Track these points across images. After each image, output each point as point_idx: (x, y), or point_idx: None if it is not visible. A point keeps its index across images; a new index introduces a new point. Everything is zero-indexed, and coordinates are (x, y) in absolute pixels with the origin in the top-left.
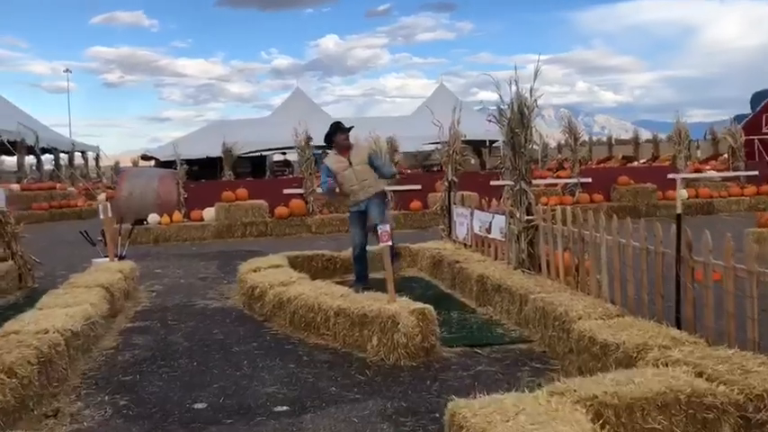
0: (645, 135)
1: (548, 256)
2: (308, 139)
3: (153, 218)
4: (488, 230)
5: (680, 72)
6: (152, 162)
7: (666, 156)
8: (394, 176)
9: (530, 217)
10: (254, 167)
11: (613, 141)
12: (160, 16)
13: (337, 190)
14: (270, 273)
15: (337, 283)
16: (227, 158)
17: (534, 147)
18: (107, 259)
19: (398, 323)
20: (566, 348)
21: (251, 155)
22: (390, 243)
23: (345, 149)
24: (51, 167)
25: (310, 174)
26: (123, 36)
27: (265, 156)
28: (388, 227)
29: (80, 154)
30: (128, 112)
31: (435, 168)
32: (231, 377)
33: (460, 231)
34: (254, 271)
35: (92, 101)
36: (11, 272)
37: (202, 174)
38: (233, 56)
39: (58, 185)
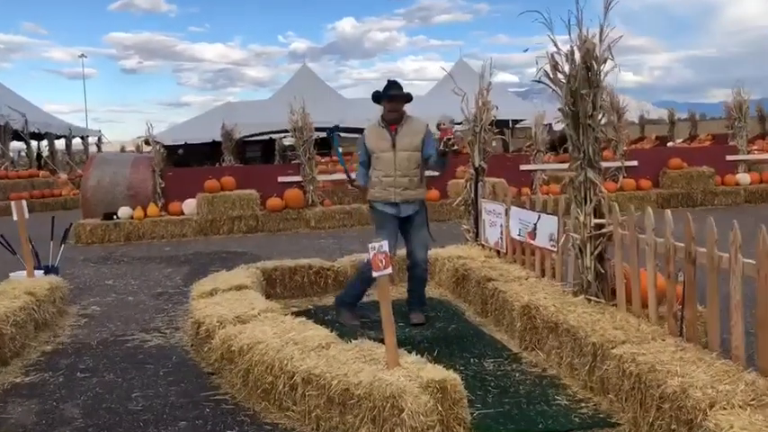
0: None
1: (627, 278)
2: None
3: (124, 211)
4: (532, 235)
5: (700, 52)
6: (158, 147)
7: (706, 135)
8: (443, 170)
9: (600, 221)
10: (264, 152)
11: (645, 120)
12: (178, 1)
13: (364, 183)
14: (228, 298)
15: (320, 314)
16: (227, 142)
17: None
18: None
19: (402, 408)
20: None
21: (260, 138)
22: (387, 270)
23: (393, 122)
24: (46, 153)
25: (309, 158)
26: (141, 21)
27: (275, 139)
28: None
29: (80, 139)
30: (146, 97)
31: (455, 148)
32: None
33: (491, 234)
34: (209, 294)
35: (110, 87)
36: None
37: (196, 159)
38: (250, 40)
39: (41, 173)
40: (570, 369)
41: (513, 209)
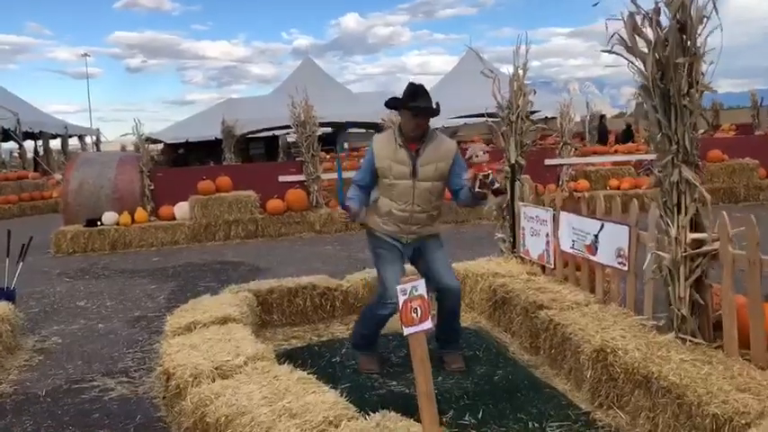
0: None
1: (740, 315)
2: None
3: (109, 217)
4: (593, 249)
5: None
6: (159, 145)
7: (729, 125)
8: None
9: (699, 235)
10: (267, 149)
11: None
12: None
13: (364, 213)
14: (207, 338)
15: (325, 353)
16: (228, 139)
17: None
18: None
19: None
20: None
21: (263, 135)
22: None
23: (414, 140)
24: (41, 153)
25: (312, 156)
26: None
27: (278, 136)
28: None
29: (77, 139)
30: (151, 95)
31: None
32: None
33: (533, 245)
34: (186, 330)
35: (115, 86)
36: None
37: (197, 157)
38: (254, 37)
39: (31, 175)
40: None
41: (565, 215)
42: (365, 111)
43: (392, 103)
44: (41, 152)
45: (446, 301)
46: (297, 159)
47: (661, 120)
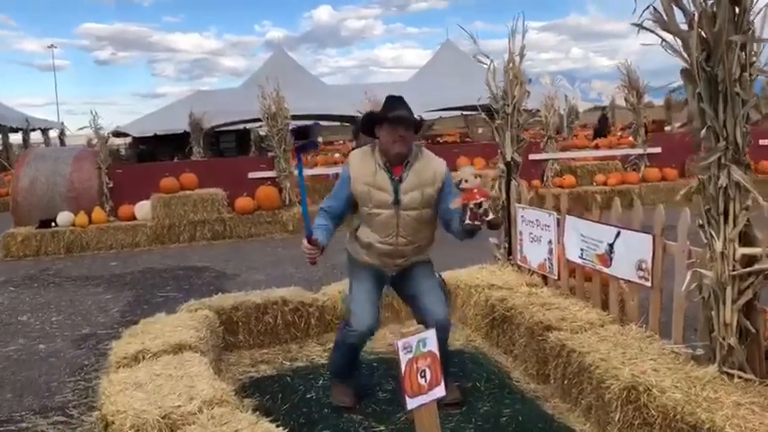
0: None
1: None
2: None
3: (64, 217)
4: (606, 260)
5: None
6: (128, 139)
7: None
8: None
9: (750, 250)
10: (239, 142)
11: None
12: None
13: (324, 244)
14: (157, 373)
15: (298, 384)
16: (196, 133)
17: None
18: None
19: None
20: None
21: (234, 128)
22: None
23: (399, 159)
24: None
25: (284, 150)
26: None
27: (250, 129)
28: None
29: (40, 132)
30: (122, 89)
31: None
32: None
33: (533, 253)
34: (133, 360)
35: (84, 78)
36: None
37: (165, 152)
38: (226, 29)
39: None
40: None
41: (572, 220)
42: (339, 103)
43: (368, 120)
44: (1, 147)
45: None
46: (269, 155)
47: (706, 110)
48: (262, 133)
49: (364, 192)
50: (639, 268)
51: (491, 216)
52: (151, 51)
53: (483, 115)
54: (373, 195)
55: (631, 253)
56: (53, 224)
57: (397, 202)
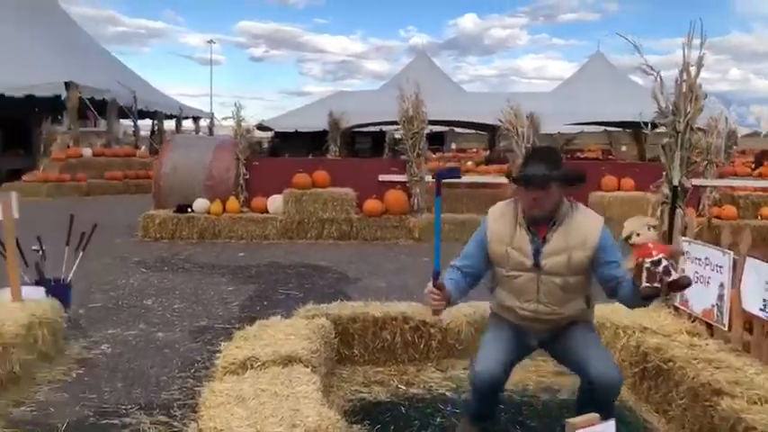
0: None
1: None
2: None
3: (200, 204)
4: None
5: None
6: (270, 133)
7: None
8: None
9: None
10: (374, 143)
11: None
12: None
13: (452, 298)
14: (262, 389)
15: (414, 417)
16: (334, 132)
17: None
18: (26, 290)
19: None
20: None
21: (370, 129)
22: None
23: (541, 220)
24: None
25: (418, 155)
26: (271, 12)
27: (386, 131)
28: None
29: (191, 120)
30: (270, 85)
31: (579, 155)
32: None
33: (698, 296)
34: (240, 368)
35: (238, 73)
36: None
37: (300, 148)
38: (372, 33)
39: (138, 153)
40: None
41: (753, 263)
42: (478, 109)
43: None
44: (156, 131)
45: (598, 393)
46: (401, 158)
47: None
48: (397, 136)
49: (500, 252)
50: None
51: (674, 275)
52: (300, 51)
53: (633, 131)
54: (511, 257)
55: None
56: (189, 209)
57: (537, 264)
